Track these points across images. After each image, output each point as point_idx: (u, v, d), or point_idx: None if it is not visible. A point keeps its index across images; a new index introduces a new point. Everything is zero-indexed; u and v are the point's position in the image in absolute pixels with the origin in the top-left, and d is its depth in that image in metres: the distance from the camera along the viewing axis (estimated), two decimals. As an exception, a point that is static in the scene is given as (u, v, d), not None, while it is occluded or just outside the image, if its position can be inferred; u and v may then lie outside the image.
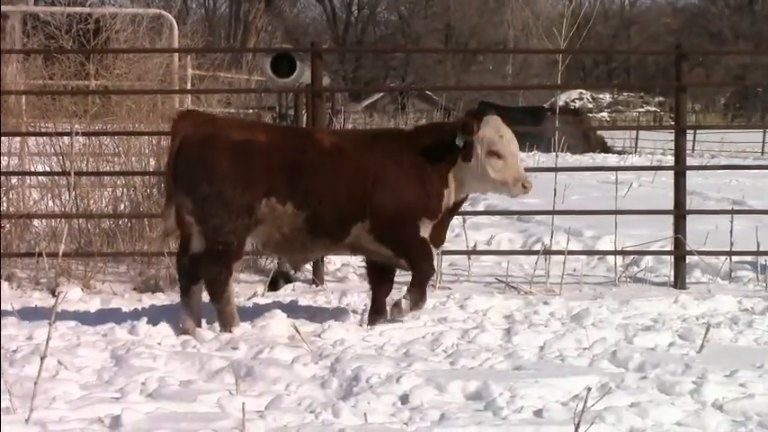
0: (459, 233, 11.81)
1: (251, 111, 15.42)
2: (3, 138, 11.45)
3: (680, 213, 10.89)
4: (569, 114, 43.35)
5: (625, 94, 74.73)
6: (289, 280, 10.64)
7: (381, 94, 60.61)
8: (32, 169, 11.86)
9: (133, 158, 11.78)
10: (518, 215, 13.70)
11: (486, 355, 7.22)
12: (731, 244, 10.80)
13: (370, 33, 74.78)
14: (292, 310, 8.82)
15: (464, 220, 11.60)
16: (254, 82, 18.48)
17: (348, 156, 8.17)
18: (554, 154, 14.21)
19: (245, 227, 8.02)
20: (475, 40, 68.00)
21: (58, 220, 11.16)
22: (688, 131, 12.47)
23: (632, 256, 11.35)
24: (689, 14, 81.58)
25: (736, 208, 13.75)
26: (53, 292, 10.00)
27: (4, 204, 11.46)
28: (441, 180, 8.23)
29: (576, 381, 6.50)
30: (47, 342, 5.97)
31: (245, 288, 10.39)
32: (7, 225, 11.10)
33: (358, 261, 10.42)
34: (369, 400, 6.15)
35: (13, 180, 11.76)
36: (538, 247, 11.64)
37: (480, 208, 15.18)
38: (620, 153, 39.59)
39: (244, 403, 5.75)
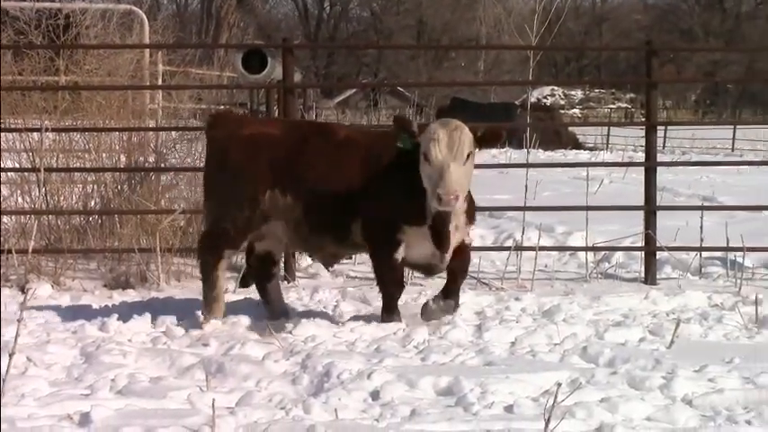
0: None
1: (222, 107, 15.38)
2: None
3: (650, 209, 10.93)
4: (541, 111, 43.48)
5: (596, 90, 74.91)
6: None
7: (354, 90, 60.69)
8: (1, 165, 11.79)
9: (104, 155, 11.72)
10: (489, 211, 13.72)
11: (457, 351, 7.22)
12: (701, 240, 10.85)
13: (343, 30, 74.71)
14: (263, 306, 8.80)
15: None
16: (225, 78, 18.43)
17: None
18: (526, 150, 14.24)
19: (247, 219, 8.11)
20: (447, 36, 68.01)
21: (28, 216, 11.11)
22: (659, 128, 12.53)
23: (603, 252, 11.38)
24: (660, 11, 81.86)
25: (707, 204, 13.80)
26: (22, 289, 9.94)
27: (-27, 201, 11.40)
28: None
29: (546, 376, 6.51)
30: (15, 338, 5.94)
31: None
32: (-24, 222, 11.04)
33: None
34: (339, 396, 6.14)
35: (-18, 177, 11.70)
36: (509, 243, 11.68)
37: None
38: (591, 149, 39.70)
39: (214, 399, 5.75)
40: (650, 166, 11.03)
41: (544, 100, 62.77)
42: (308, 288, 9.77)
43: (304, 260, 11.09)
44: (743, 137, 42.78)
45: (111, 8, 14.82)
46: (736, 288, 10.00)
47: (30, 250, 10.30)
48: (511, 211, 12.93)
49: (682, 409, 5.95)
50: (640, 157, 15.34)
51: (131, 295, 9.83)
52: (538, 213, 11.96)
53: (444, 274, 8.20)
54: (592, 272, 10.81)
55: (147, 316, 8.30)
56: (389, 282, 8.05)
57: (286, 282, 10.36)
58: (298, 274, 10.69)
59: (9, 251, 10.45)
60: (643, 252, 10.88)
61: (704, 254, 11.00)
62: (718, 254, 11.14)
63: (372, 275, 8.43)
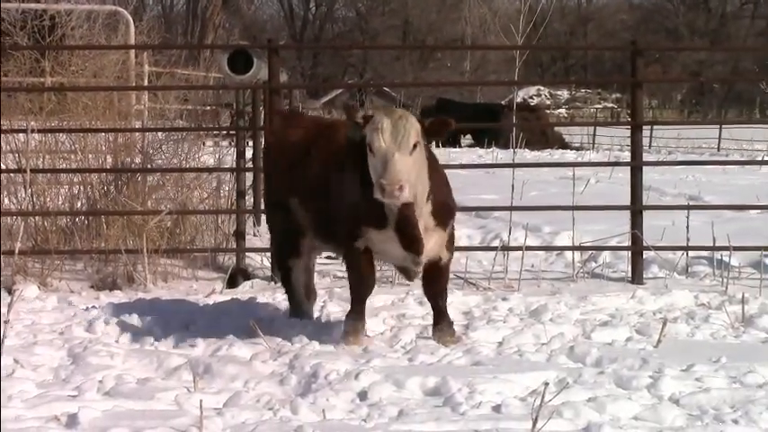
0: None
1: (208, 108, 15.37)
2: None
3: (637, 209, 10.95)
4: (527, 111, 43.49)
5: (582, 90, 74.96)
6: (247, 277, 10.63)
7: (340, 90, 60.61)
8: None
9: (90, 156, 11.72)
10: (476, 211, 13.73)
11: (444, 351, 7.22)
12: (687, 239, 10.86)
13: (328, 30, 74.72)
14: (251, 307, 8.80)
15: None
16: (211, 79, 18.41)
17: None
18: (512, 150, 14.24)
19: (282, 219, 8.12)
20: (432, 36, 68.05)
21: (14, 217, 11.09)
22: (645, 127, 12.54)
23: (590, 252, 11.38)
24: (645, 11, 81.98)
25: (693, 203, 13.82)
26: (9, 291, 9.92)
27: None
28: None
29: (534, 376, 6.51)
30: (2, 340, 5.93)
31: (204, 285, 10.37)
32: (-38, 223, 11.00)
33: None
34: (327, 396, 6.14)
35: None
36: (496, 243, 11.69)
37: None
38: (577, 149, 39.69)
39: (201, 400, 5.75)
40: (636, 166, 11.05)
41: (530, 100, 62.78)
42: (295, 288, 9.74)
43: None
44: (728, 136, 42.83)
45: (97, 9, 14.80)
46: (723, 287, 10.02)
47: (16, 251, 10.27)
48: (497, 210, 12.91)
49: (669, 408, 5.96)
50: (626, 156, 15.35)
51: (118, 296, 9.81)
52: (524, 213, 11.96)
53: None
54: (579, 272, 10.82)
55: (135, 317, 8.29)
56: (353, 284, 7.71)
57: (273, 282, 10.35)
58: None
59: (-5, 252, 10.43)
60: (630, 252, 10.89)
61: (691, 253, 11.02)
62: (705, 253, 11.14)
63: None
